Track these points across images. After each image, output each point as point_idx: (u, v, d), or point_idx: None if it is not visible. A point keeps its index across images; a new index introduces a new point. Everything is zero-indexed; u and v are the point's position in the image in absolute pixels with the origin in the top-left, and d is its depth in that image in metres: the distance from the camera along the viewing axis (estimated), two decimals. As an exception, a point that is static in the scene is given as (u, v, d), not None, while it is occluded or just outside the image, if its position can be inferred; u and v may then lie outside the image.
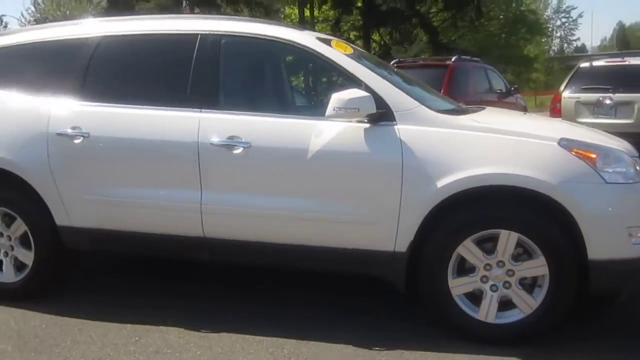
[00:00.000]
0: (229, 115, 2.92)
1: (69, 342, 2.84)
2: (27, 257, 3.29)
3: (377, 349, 2.69)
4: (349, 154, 2.73)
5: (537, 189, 2.53)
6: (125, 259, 3.97)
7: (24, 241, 3.30)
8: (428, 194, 2.63)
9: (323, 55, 2.89)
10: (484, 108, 3.22)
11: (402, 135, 2.68)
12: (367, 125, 2.72)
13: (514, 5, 23.59)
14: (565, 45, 38.37)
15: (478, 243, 2.67)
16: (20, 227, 3.27)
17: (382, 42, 17.57)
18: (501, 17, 21.74)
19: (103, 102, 3.13)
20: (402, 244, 2.71)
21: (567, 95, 7.38)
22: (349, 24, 17.95)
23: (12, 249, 3.32)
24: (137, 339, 2.85)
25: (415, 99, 2.82)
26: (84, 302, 3.30)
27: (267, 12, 17.35)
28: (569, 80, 7.57)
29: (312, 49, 2.91)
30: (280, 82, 3.29)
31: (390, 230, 2.71)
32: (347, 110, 2.62)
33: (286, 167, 2.81)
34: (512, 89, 9.42)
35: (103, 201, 3.08)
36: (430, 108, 2.81)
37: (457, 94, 5.98)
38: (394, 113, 2.73)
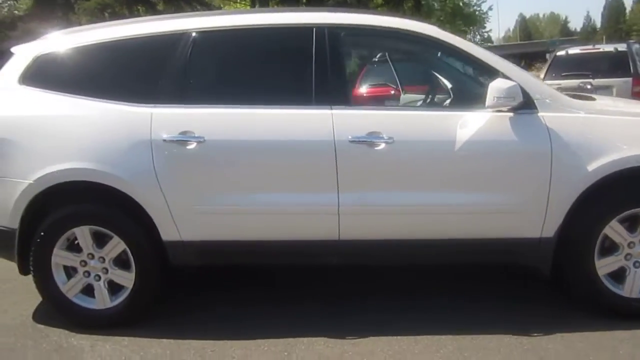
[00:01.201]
0: (365, 111, 2.80)
1: (213, 366, 2.61)
2: (126, 278, 2.96)
3: (536, 334, 2.72)
4: (496, 144, 2.72)
5: None
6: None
7: (119, 261, 2.97)
8: (578, 179, 2.68)
9: (453, 46, 2.84)
10: (592, 97, 3.33)
11: (548, 122, 2.71)
12: (511, 114, 2.72)
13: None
14: (478, 37, 40.74)
15: (620, 222, 2.77)
16: (117, 246, 2.94)
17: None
18: (439, 9, 22.70)
19: (214, 103, 2.88)
20: (549, 230, 2.75)
21: (548, 82, 7.81)
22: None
23: (106, 271, 2.97)
24: (286, 354, 2.67)
25: None
26: (192, 321, 3.04)
27: (209, 8, 16.77)
28: (547, 68, 8.03)
29: (442, 40, 2.85)
30: (410, 74, 3.20)
31: (538, 217, 2.74)
32: (506, 100, 2.61)
33: (432, 160, 2.74)
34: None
35: (220, 210, 2.84)
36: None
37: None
38: (534, 101, 2.75)
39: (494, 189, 2.75)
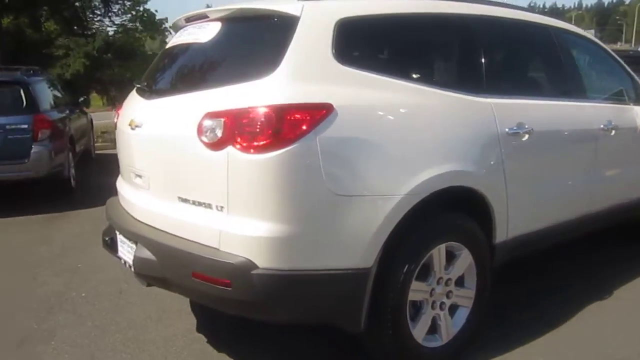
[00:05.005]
0: (601, 104, 3.33)
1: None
2: (468, 297, 2.53)
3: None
4: None
5: None
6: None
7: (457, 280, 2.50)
8: None
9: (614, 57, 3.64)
10: None
11: None
12: None
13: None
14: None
15: None
16: (464, 261, 2.47)
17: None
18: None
19: (524, 94, 2.85)
20: None
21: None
22: None
23: (450, 295, 2.45)
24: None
25: None
26: (515, 327, 2.82)
27: None
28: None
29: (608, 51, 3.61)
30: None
31: None
32: None
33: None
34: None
35: (538, 202, 2.80)
36: None
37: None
38: None
39: None
